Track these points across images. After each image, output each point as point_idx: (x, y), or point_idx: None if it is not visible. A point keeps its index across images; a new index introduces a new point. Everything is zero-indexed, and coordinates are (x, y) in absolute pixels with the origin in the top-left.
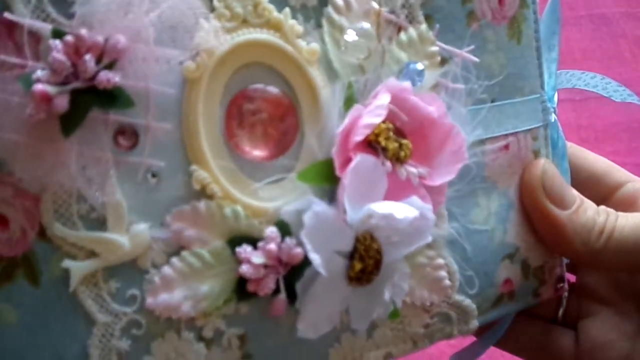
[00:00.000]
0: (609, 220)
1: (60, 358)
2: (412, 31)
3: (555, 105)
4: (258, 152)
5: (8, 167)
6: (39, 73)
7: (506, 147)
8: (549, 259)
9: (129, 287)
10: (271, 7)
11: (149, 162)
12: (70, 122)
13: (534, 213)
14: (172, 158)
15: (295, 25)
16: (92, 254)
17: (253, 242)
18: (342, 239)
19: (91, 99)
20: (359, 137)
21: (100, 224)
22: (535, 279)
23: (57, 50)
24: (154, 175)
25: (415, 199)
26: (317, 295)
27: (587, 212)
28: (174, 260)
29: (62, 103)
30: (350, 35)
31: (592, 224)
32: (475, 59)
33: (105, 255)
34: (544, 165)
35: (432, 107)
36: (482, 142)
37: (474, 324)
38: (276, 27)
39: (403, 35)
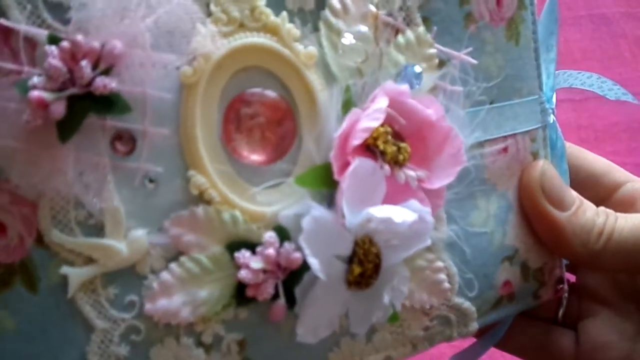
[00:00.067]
0: (608, 221)
1: None
2: (409, 34)
3: (553, 106)
4: (256, 157)
5: (5, 174)
6: (36, 79)
7: (505, 149)
8: (549, 260)
9: (127, 293)
10: (268, 11)
11: (147, 167)
12: (67, 128)
13: (533, 215)
14: (170, 163)
15: (292, 29)
16: (90, 260)
17: (252, 247)
18: (341, 243)
19: (88, 105)
20: (357, 141)
21: (98, 230)
22: (535, 281)
23: (53, 56)
24: (151, 181)
25: (414, 202)
26: (317, 299)
27: (586, 214)
28: (173, 265)
29: (59, 109)
30: (348, 39)
31: (592, 226)
32: (474, 61)
33: (103, 261)
34: (543, 166)
35: (430, 109)
36: (481, 144)
37: (474, 326)
38: (273, 31)
39: (401, 38)
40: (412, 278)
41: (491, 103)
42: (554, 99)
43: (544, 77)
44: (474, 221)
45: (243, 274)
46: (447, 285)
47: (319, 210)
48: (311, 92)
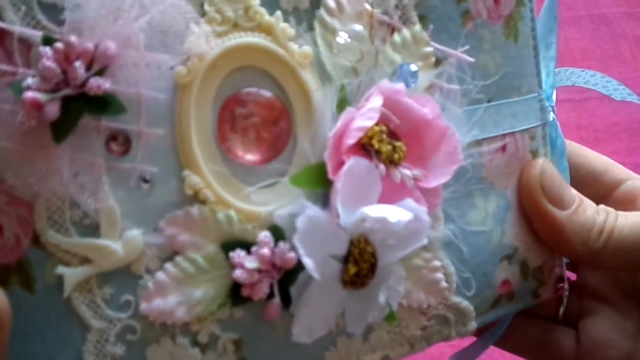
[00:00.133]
0: (608, 219)
1: None
2: (405, 32)
3: (553, 104)
4: (251, 156)
5: (0, 175)
6: (30, 80)
7: (503, 147)
8: (548, 259)
9: (123, 293)
10: (262, 10)
11: (142, 167)
12: (61, 129)
13: (533, 213)
14: (165, 163)
15: (286, 28)
16: (85, 260)
17: (246, 246)
18: (336, 243)
19: (82, 106)
20: (351, 140)
21: (94, 230)
22: (535, 280)
23: (47, 57)
24: (146, 181)
25: (409, 201)
26: (312, 299)
27: (586, 212)
28: (168, 265)
29: (53, 110)
30: (343, 38)
31: (592, 224)
32: (470, 59)
33: (98, 261)
34: (543, 165)
35: (426, 108)
36: (478, 142)
37: (472, 325)
38: (268, 30)
39: (396, 37)
40: (409, 277)
41: (489, 101)
42: (554, 97)
43: (543, 74)
44: (472, 220)
45: (238, 273)
46: (444, 284)
47: (313, 210)
48: (306, 92)
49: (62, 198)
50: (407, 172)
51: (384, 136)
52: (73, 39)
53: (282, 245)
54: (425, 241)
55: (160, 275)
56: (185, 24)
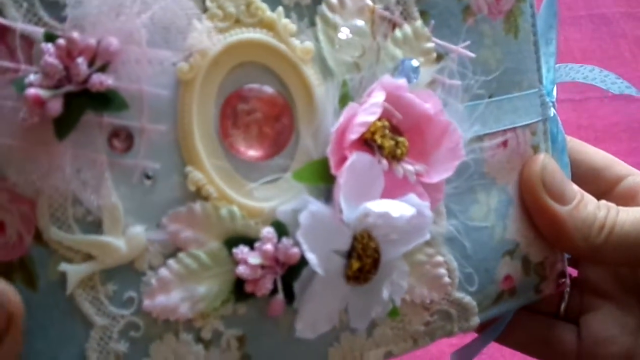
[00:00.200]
0: (609, 215)
1: None
2: (407, 28)
3: (554, 100)
4: (253, 152)
5: (2, 172)
6: (32, 77)
7: (505, 143)
8: (550, 254)
9: (126, 290)
10: (264, 6)
11: (144, 164)
12: (64, 125)
13: (534, 209)
14: (167, 160)
15: (288, 24)
16: (88, 257)
17: (250, 242)
18: (339, 238)
19: (85, 102)
20: (354, 135)
21: (96, 227)
22: (536, 275)
23: (49, 53)
24: (149, 177)
25: (412, 196)
26: (315, 294)
27: (587, 207)
28: (171, 262)
29: (56, 106)
30: (344, 33)
31: (593, 219)
32: (472, 55)
33: (101, 258)
34: (544, 160)
35: (428, 104)
36: (480, 138)
37: (475, 321)
38: (269, 26)
39: (398, 32)
40: (411, 273)
41: (490, 97)
42: (554, 93)
43: (543, 70)
44: (474, 215)
45: (241, 269)
46: (447, 279)
47: (316, 205)
48: (308, 87)
49: (65, 195)
50: (409, 167)
51: (387, 131)
52: (75, 35)
53: (286, 240)
54: (428, 236)
55: (163, 272)
56: (187, 20)
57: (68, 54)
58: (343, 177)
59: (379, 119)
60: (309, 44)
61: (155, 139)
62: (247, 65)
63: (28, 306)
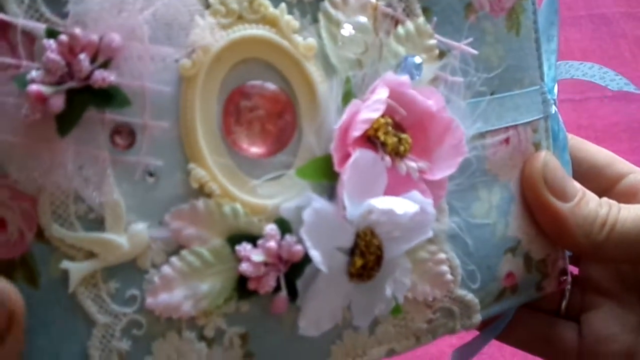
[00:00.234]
0: (611, 212)
1: None
2: (409, 24)
3: (555, 97)
4: (256, 149)
5: (4, 169)
6: (34, 73)
7: (506, 140)
8: (552, 251)
9: (128, 288)
10: (267, 2)
11: (147, 161)
12: (66, 121)
13: (536, 206)
14: (170, 156)
15: (291, 20)
16: (90, 255)
17: (253, 239)
18: (343, 235)
19: (87, 99)
20: (357, 132)
21: (99, 224)
22: (538, 272)
23: (51, 50)
24: (151, 174)
25: (415, 193)
26: (318, 292)
27: (589, 205)
28: (174, 259)
29: (58, 103)
30: (347, 30)
31: (594, 217)
32: (474, 52)
33: (104, 255)
34: (545, 157)
35: (431, 100)
36: (482, 135)
37: (477, 318)
38: (272, 22)
39: (400, 29)
40: (414, 270)
41: (492, 94)
42: (555, 90)
43: (545, 67)
44: (476, 212)
45: (244, 267)
46: (449, 277)
47: (319, 202)
48: (311, 84)
49: (67, 192)
50: (412, 164)
51: (390, 128)
52: (77, 31)
53: (289, 238)
54: (430, 234)
55: (166, 269)
56: (190, 16)
57: (70, 50)
58: (346, 174)
59: (382, 116)
60: (312, 41)
61: (158, 135)
62: (249, 61)
63: (29, 304)
